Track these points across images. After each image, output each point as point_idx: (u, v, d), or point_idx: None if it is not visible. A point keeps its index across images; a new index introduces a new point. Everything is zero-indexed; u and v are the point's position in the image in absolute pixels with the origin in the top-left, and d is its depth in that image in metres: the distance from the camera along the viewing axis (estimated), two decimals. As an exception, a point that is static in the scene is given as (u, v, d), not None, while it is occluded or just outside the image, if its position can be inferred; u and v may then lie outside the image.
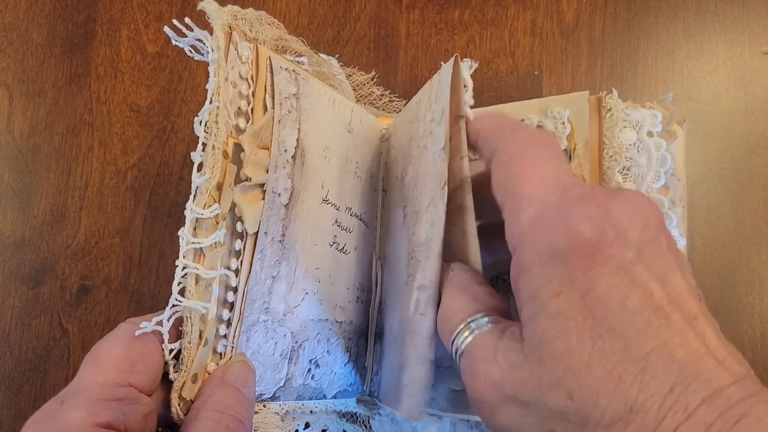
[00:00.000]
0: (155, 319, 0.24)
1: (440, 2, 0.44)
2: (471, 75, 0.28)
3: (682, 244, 0.31)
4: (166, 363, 0.25)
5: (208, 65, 0.26)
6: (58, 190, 0.44)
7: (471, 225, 0.26)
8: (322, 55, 0.36)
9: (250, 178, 0.27)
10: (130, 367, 0.23)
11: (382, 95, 0.41)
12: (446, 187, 0.26)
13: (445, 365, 0.27)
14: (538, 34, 0.43)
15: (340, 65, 0.38)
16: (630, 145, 0.31)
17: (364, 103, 0.40)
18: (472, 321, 0.23)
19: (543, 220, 0.20)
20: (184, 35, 0.26)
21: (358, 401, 0.34)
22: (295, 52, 0.33)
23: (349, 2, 0.45)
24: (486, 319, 0.23)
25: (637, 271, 0.19)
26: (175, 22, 0.26)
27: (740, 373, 0.17)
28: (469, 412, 0.26)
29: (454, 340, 0.23)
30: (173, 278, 0.44)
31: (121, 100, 0.44)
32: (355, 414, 0.34)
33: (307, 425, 0.32)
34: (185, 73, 0.44)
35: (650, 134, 0.31)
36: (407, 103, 0.42)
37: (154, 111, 0.44)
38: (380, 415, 0.34)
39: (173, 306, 0.25)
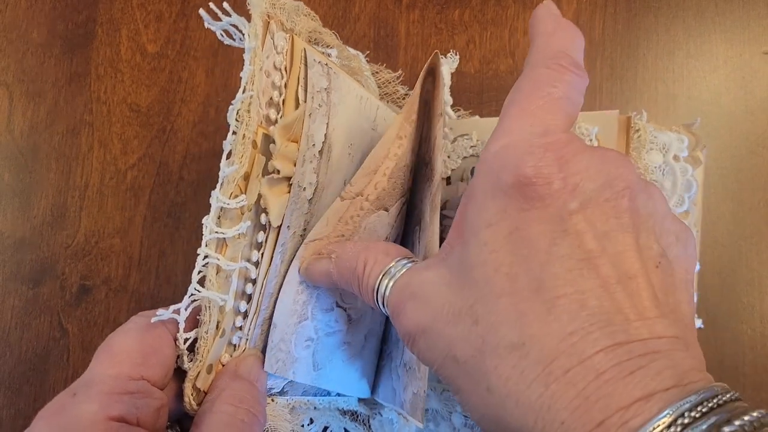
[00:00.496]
0: (172, 308, 0.24)
1: (440, 2, 0.44)
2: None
3: (696, 267, 0.31)
4: (178, 357, 0.25)
5: (243, 53, 0.26)
6: (58, 190, 0.44)
7: (437, 224, 0.27)
8: (350, 49, 0.36)
9: (279, 171, 0.27)
10: (143, 360, 0.23)
11: (406, 95, 0.41)
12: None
13: (415, 367, 0.27)
14: (538, 34, 0.43)
15: (367, 61, 0.38)
16: (655, 167, 0.32)
17: (387, 101, 0.40)
18: (391, 267, 0.24)
19: (504, 154, 0.20)
20: (219, 19, 0.25)
21: (360, 400, 0.34)
22: (326, 45, 0.33)
23: (348, 2, 0.45)
24: (403, 261, 0.24)
25: (574, 221, 0.18)
26: (211, 5, 0.25)
27: (663, 333, 0.17)
28: (418, 417, 0.26)
29: (377, 294, 0.24)
30: (173, 278, 0.44)
31: (120, 100, 0.44)
32: (356, 413, 0.34)
33: (311, 421, 0.32)
34: (185, 73, 0.44)
35: (676, 158, 0.32)
36: None
37: (154, 111, 0.44)
38: (380, 415, 0.34)
39: (191, 295, 0.24)
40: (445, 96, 0.27)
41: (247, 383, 0.25)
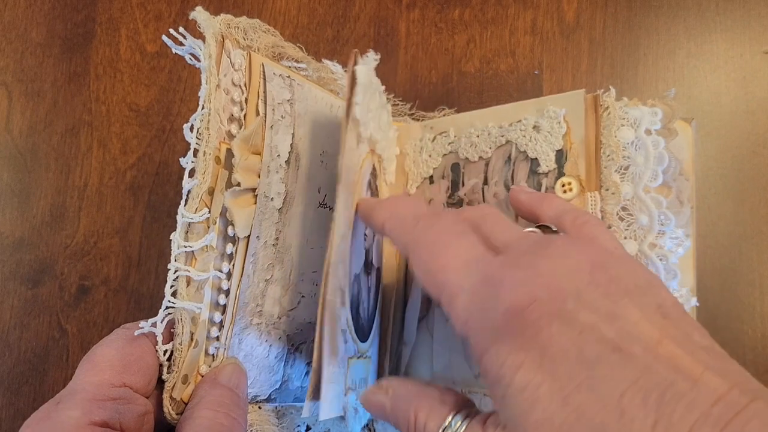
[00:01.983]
0: (150, 321, 0.25)
1: (440, 1, 0.44)
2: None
3: (687, 245, 0.31)
4: (160, 366, 0.25)
5: (201, 73, 0.27)
6: (57, 190, 0.44)
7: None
8: (326, 61, 0.36)
9: (240, 183, 0.27)
10: (124, 368, 0.24)
11: (388, 97, 0.41)
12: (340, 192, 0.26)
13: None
14: (538, 34, 0.43)
15: (344, 70, 0.38)
16: (628, 143, 0.31)
17: None
18: (446, 428, 0.23)
19: (475, 303, 0.20)
20: (182, 43, 0.27)
21: (361, 404, 0.33)
22: (293, 59, 0.33)
23: (348, 1, 0.45)
24: (459, 418, 0.23)
25: (582, 318, 0.18)
26: (171, 31, 0.26)
27: (721, 387, 0.17)
28: None
29: None
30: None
31: (120, 99, 0.44)
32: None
33: (308, 428, 0.32)
34: (184, 73, 0.44)
35: (648, 132, 0.31)
36: (412, 105, 0.42)
37: (154, 111, 0.44)
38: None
39: (167, 308, 0.25)
40: (356, 97, 0.27)
41: (227, 390, 0.26)
